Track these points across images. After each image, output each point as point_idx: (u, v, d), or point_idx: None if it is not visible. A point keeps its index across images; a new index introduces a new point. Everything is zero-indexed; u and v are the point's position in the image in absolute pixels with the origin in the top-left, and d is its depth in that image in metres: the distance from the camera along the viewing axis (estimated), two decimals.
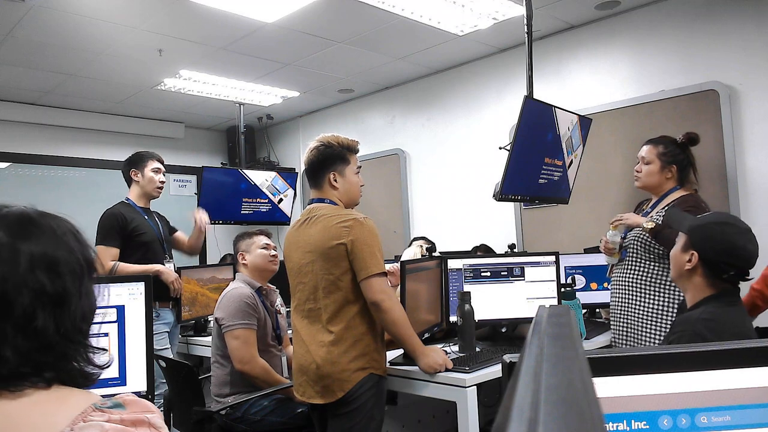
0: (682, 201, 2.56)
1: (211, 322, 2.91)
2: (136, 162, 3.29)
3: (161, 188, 3.34)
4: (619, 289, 2.65)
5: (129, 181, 3.31)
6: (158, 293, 2.99)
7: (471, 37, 4.04)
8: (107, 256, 3.08)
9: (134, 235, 3.15)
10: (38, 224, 0.78)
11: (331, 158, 2.20)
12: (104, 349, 0.83)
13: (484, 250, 3.68)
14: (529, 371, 0.32)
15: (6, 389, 0.71)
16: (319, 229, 2.11)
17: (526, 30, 2.97)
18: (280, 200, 4.48)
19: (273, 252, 2.85)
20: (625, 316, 2.59)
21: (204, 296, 3.60)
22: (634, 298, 2.57)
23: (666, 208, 2.56)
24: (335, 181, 2.21)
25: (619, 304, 2.63)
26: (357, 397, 2.04)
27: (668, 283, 2.47)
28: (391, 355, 2.38)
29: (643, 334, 2.52)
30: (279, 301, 2.89)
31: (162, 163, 3.35)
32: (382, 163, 5.18)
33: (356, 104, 5.53)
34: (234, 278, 2.88)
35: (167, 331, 3.20)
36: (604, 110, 3.76)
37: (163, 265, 3.22)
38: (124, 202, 3.27)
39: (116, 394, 0.77)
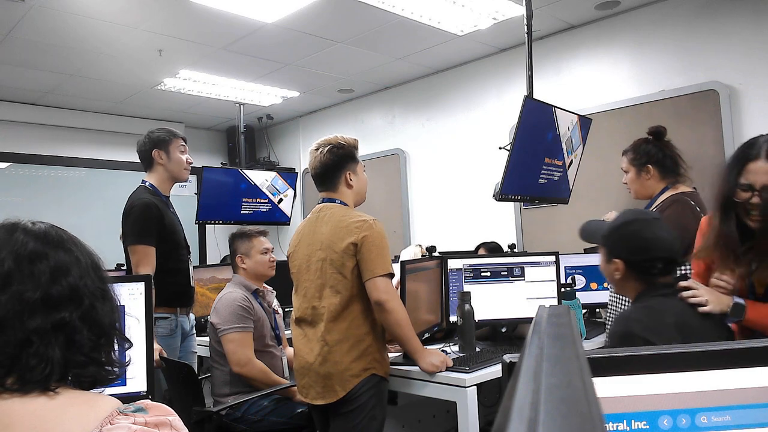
0: (668, 203, 2.43)
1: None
2: (160, 141, 2.75)
3: (189, 170, 2.85)
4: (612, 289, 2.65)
5: (149, 164, 2.76)
6: (169, 297, 2.60)
7: (471, 37, 4.04)
8: (151, 257, 2.52)
9: (169, 232, 2.64)
10: (68, 237, 0.87)
11: (345, 158, 2.22)
12: (130, 342, 0.91)
13: (492, 249, 3.61)
14: (529, 371, 0.32)
15: (49, 389, 0.76)
16: (330, 228, 2.12)
17: (526, 30, 2.97)
18: (280, 200, 4.48)
19: (272, 257, 2.84)
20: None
21: (204, 296, 3.60)
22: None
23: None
24: (351, 180, 2.23)
25: (612, 304, 2.63)
26: (358, 397, 2.05)
27: None
28: (391, 355, 2.38)
29: None
30: (275, 302, 2.88)
31: (186, 142, 2.87)
32: (382, 163, 5.18)
33: (356, 104, 5.53)
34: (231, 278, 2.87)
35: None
36: (604, 110, 3.77)
37: (187, 265, 2.78)
38: (147, 188, 2.71)
39: (136, 399, 0.83)
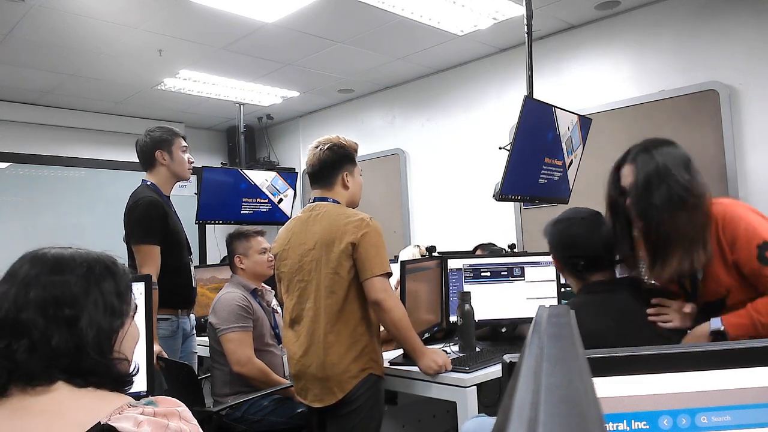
0: None
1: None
2: (162, 141, 2.69)
3: (191, 169, 2.80)
4: None
5: (151, 164, 2.71)
6: (170, 299, 2.56)
7: (471, 37, 4.04)
8: (156, 257, 2.49)
9: (171, 232, 2.61)
10: (67, 264, 0.89)
11: (344, 158, 2.20)
12: (125, 359, 0.91)
13: (489, 250, 3.61)
14: (529, 371, 0.32)
15: (71, 381, 0.82)
16: (324, 227, 2.09)
17: (526, 30, 2.96)
18: (280, 200, 4.48)
19: (271, 256, 2.83)
20: None
21: (204, 296, 3.60)
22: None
23: None
24: (347, 181, 2.20)
25: None
26: (356, 398, 2.04)
27: None
28: (391, 355, 2.38)
29: None
30: (274, 302, 2.88)
31: (185, 140, 2.81)
32: (382, 163, 5.18)
33: (356, 104, 5.53)
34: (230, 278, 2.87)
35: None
36: (604, 110, 3.76)
37: (190, 264, 2.76)
38: (148, 186, 2.65)
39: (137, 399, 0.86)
